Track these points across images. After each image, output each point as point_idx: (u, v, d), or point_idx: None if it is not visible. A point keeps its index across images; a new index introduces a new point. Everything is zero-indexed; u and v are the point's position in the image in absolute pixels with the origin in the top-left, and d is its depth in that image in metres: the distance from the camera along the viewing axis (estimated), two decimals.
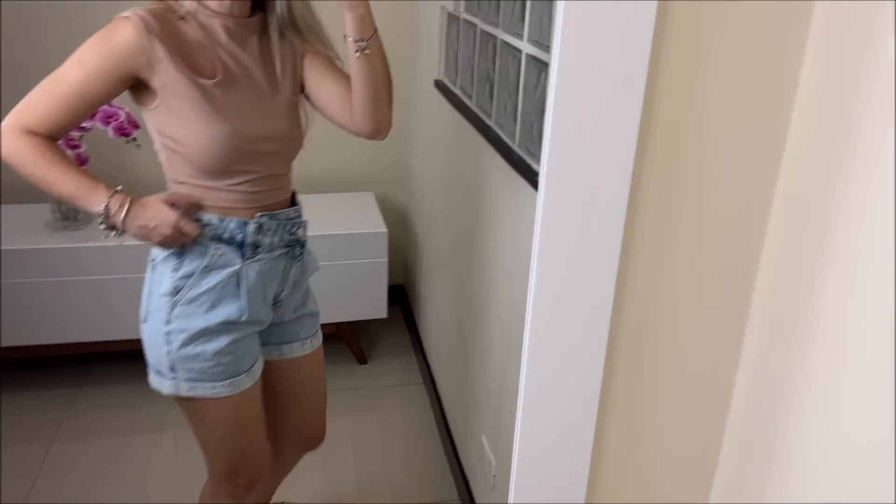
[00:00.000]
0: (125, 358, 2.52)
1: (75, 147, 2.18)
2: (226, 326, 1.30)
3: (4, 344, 2.27)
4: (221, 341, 1.30)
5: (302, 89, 1.37)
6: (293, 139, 1.35)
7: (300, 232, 1.40)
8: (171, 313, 1.29)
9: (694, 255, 0.81)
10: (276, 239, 1.35)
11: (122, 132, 2.15)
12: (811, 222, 0.75)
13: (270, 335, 1.47)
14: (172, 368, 1.31)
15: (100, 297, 2.26)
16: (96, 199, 1.20)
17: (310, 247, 1.47)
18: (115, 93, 1.20)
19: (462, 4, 1.87)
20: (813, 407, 0.76)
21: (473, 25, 1.76)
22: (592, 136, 0.69)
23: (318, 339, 1.57)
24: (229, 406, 1.35)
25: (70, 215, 2.29)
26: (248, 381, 1.36)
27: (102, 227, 1.22)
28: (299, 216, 1.40)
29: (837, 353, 0.73)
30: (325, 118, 1.39)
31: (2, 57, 2.36)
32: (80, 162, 2.20)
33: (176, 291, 1.28)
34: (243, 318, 1.31)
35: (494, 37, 1.58)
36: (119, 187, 1.22)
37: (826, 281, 0.74)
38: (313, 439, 1.65)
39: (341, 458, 2.17)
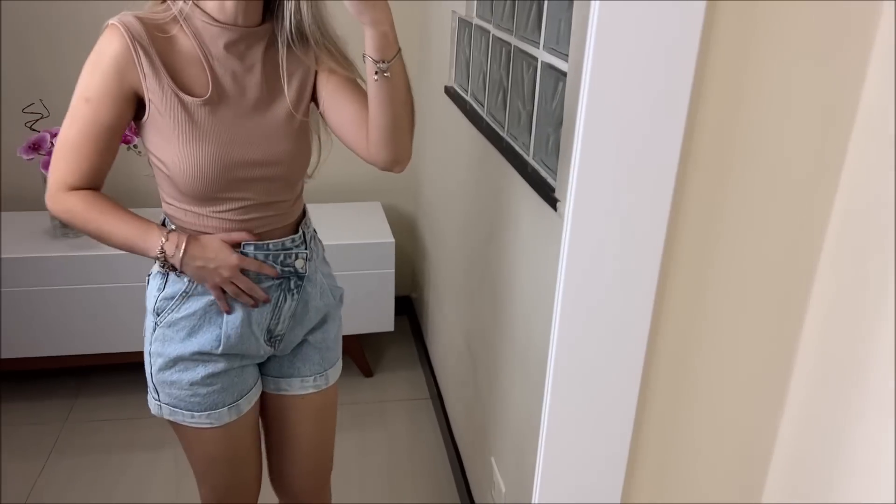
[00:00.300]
0: (123, 370, 2.47)
1: None
2: (201, 356, 1.22)
3: (3, 355, 2.22)
4: (197, 372, 1.22)
5: (318, 108, 1.25)
6: (294, 165, 1.20)
7: (297, 264, 1.26)
8: (153, 334, 1.23)
9: (738, 292, 0.74)
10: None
11: (123, 139, 2.09)
12: (868, 259, 0.68)
13: (269, 366, 1.36)
14: (155, 390, 1.26)
15: (99, 306, 2.21)
16: (152, 243, 1.14)
17: (322, 280, 1.33)
18: (129, 113, 1.11)
19: (474, 8, 1.80)
20: (863, 457, 0.69)
21: (486, 31, 1.69)
22: (626, 163, 0.62)
23: (327, 379, 1.38)
24: (210, 438, 1.27)
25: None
26: (231, 415, 1.27)
27: (163, 269, 1.19)
28: (298, 247, 1.27)
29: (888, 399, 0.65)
30: (342, 143, 1.25)
31: (2, 57, 2.31)
32: None
33: (158, 312, 1.23)
34: (219, 351, 1.22)
35: (508, 43, 1.51)
36: (172, 227, 1.18)
37: (881, 325, 0.66)
38: (306, 495, 1.47)
39: (345, 475, 2.11)
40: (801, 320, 0.75)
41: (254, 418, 1.34)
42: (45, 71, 2.33)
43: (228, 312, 1.21)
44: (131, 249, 1.15)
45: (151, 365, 1.24)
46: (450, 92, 2.07)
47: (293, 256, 1.26)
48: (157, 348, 1.23)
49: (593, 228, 0.65)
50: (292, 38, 1.17)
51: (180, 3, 1.11)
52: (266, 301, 1.23)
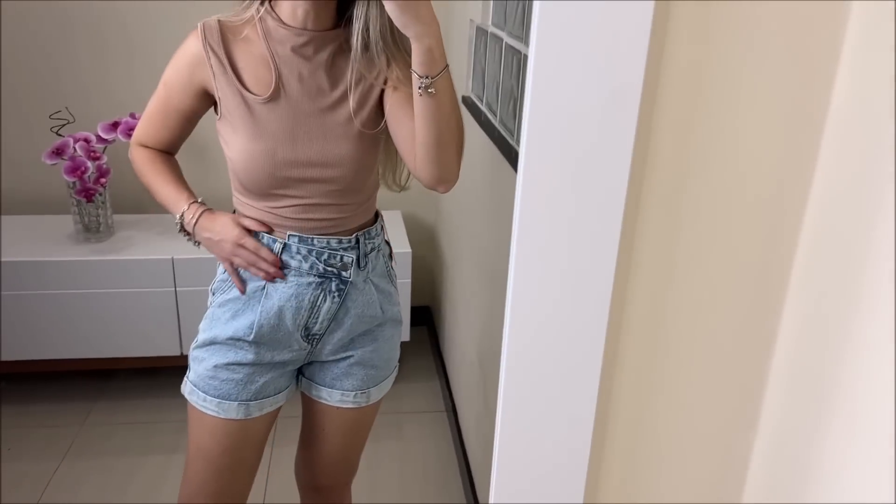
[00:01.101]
0: (142, 374, 2.49)
1: (97, 158, 2.15)
2: (234, 342, 1.25)
3: (22, 357, 2.25)
4: (226, 356, 1.25)
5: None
6: (353, 169, 1.20)
7: (341, 265, 1.25)
8: (207, 313, 1.30)
9: (707, 286, 0.69)
10: (306, 265, 1.23)
11: None
12: (840, 272, 0.63)
13: (312, 371, 1.36)
14: (189, 364, 1.30)
15: (119, 310, 2.23)
16: (178, 206, 1.27)
17: (373, 292, 1.30)
18: (197, 104, 1.23)
19: (490, 17, 1.78)
20: (832, 481, 0.64)
21: (499, 39, 1.67)
22: (575, 163, 0.59)
23: (369, 397, 1.36)
24: (209, 426, 1.26)
25: (92, 227, 2.27)
26: (239, 412, 1.26)
27: (179, 231, 1.29)
28: (346, 250, 1.25)
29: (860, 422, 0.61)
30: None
31: (2, 59, 2.36)
32: (101, 174, 2.17)
33: (214, 293, 1.30)
34: (251, 338, 1.24)
35: (519, 52, 1.49)
36: (200, 199, 1.28)
37: (859, 323, 0.62)
38: (325, 491, 1.49)
39: (357, 486, 2.08)
40: (778, 315, 0.71)
41: (259, 435, 1.32)
42: (71, 79, 2.37)
43: (241, 291, 1.25)
44: (167, 208, 1.30)
45: (196, 339, 1.30)
46: (467, 102, 2.05)
47: (338, 258, 1.25)
48: (204, 325, 1.29)
49: (542, 230, 0.62)
50: (361, 49, 1.16)
51: (255, 6, 1.17)
52: (277, 276, 1.24)
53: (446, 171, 1.15)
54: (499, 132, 1.66)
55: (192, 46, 1.18)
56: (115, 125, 2.16)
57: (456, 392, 2.33)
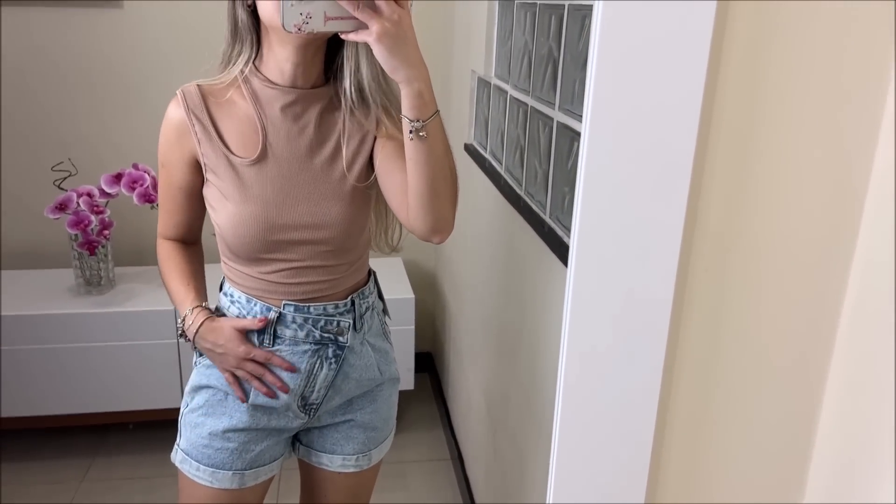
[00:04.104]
0: (141, 428, 2.45)
1: (99, 212, 2.16)
2: (228, 406, 1.23)
3: (22, 413, 2.22)
4: (220, 422, 1.22)
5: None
6: (345, 229, 1.17)
7: (337, 331, 1.22)
8: (193, 374, 1.26)
9: (761, 292, 0.70)
10: (302, 333, 1.20)
11: (147, 199, 2.12)
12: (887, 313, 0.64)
13: (310, 437, 1.33)
14: (181, 431, 1.27)
15: (120, 363, 2.21)
16: (182, 308, 1.22)
17: (370, 354, 1.28)
18: (195, 175, 1.18)
19: (493, 68, 1.82)
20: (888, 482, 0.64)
21: (504, 91, 1.70)
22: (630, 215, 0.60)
23: (370, 460, 1.34)
24: (202, 497, 1.24)
25: (93, 280, 2.25)
26: (234, 482, 1.23)
27: (179, 335, 1.25)
28: (342, 314, 1.22)
29: None
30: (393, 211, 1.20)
31: (2, 111, 2.37)
32: (104, 226, 2.17)
33: (201, 353, 1.25)
34: (248, 401, 1.21)
35: (525, 104, 1.51)
36: (205, 303, 1.23)
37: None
38: None
39: None
40: (836, 315, 0.71)
41: (257, 496, 1.29)
42: (72, 130, 2.39)
43: (243, 401, 1.21)
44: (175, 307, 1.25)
45: (186, 404, 1.27)
46: (469, 149, 2.07)
47: (335, 324, 1.22)
48: (195, 380, 1.26)
49: (597, 281, 0.63)
50: (352, 101, 1.14)
51: (239, 67, 1.13)
52: (283, 391, 1.21)
53: (441, 220, 1.10)
54: (504, 179, 1.68)
55: (173, 116, 1.15)
56: (118, 177, 2.17)
57: (462, 440, 2.31)
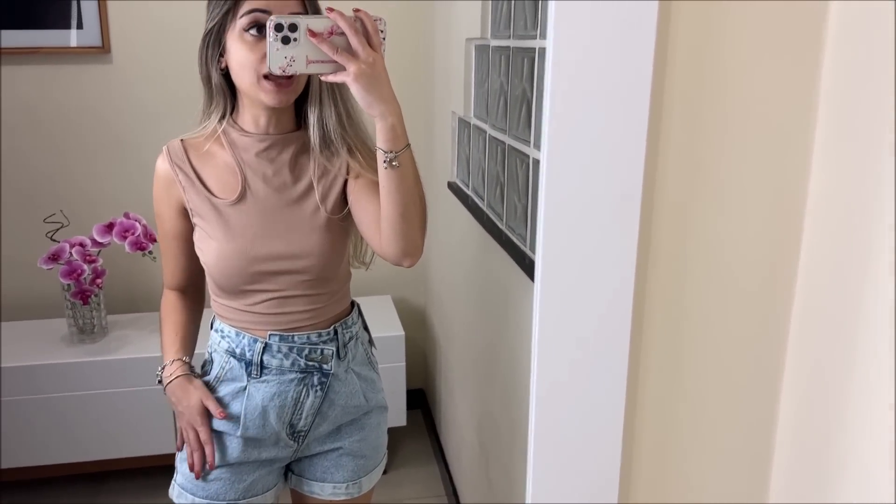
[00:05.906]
0: (139, 474, 2.45)
1: (92, 261, 2.19)
2: (220, 435, 1.28)
3: (18, 464, 2.22)
4: (215, 457, 1.28)
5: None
6: (323, 259, 1.25)
7: (321, 359, 1.29)
8: None
9: (720, 293, 0.74)
10: (288, 362, 1.27)
11: (139, 246, 2.16)
12: (853, 246, 0.69)
13: (301, 466, 1.38)
14: (177, 467, 1.32)
15: (115, 411, 2.22)
16: (164, 358, 1.32)
17: (356, 382, 1.34)
18: (185, 222, 1.28)
19: (472, 109, 1.88)
20: (849, 480, 0.67)
21: (482, 131, 1.76)
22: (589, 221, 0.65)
23: (360, 488, 1.38)
24: None
25: (86, 328, 2.28)
26: None
27: (157, 382, 1.32)
28: (325, 343, 1.29)
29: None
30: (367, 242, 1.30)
31: (27, 168, 2.42)
32: (97, 275, 2.20)
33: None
34: (238, 433, 1.27)
35: (503, 142, 1.57)
36: (185, 357, 1.31)
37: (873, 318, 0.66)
38: None
39: None
40: (786, 319, 0.75)
41: None
42: (64, 182, 2.44)
43: (197, 476, 1.28)
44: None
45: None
46: (452, 187, 2.13)
47: (318, 352, 1.29)
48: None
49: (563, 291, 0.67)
50: (322, 141, 1.25)
51: (214, 123, 1.25)
52: (196, 475, 1.28)
53: (411, 244, 1.18)
54: (487, 215, 1.74)
55: (161, 169, 1.26)
56: (109, 227, 2.20)
57: (457, 477, 2.32)
